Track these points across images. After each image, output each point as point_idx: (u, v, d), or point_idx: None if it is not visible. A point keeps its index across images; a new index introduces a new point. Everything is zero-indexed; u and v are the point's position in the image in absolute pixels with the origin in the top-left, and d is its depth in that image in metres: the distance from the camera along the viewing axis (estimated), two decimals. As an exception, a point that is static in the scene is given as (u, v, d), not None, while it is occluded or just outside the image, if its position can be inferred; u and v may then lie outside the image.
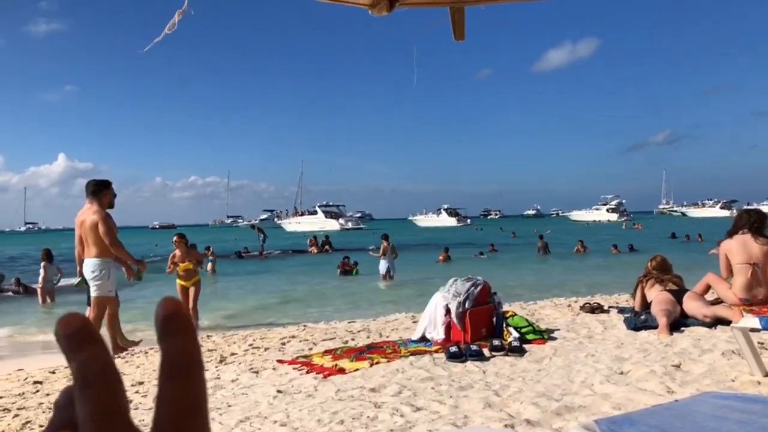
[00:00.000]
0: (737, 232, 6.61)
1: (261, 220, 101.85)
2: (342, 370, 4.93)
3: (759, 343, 4.54)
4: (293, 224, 76.83)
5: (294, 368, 5.22)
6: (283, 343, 6.46)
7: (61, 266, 14.09)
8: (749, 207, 6.72)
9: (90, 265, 6.45)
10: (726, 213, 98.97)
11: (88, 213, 6.45)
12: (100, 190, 6.55)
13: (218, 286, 16.70)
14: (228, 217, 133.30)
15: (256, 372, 5.25)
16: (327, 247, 32.25)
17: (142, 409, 4.36)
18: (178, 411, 0.29)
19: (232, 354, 6.12)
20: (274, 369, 5.31)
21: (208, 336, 7.35)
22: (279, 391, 4.47)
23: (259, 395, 4.45)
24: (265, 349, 6.23)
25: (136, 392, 4.86)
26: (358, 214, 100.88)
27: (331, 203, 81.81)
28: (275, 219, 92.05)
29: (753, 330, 3.82)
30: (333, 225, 71.12)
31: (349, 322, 7.68)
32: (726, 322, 5.31)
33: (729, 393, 2.30)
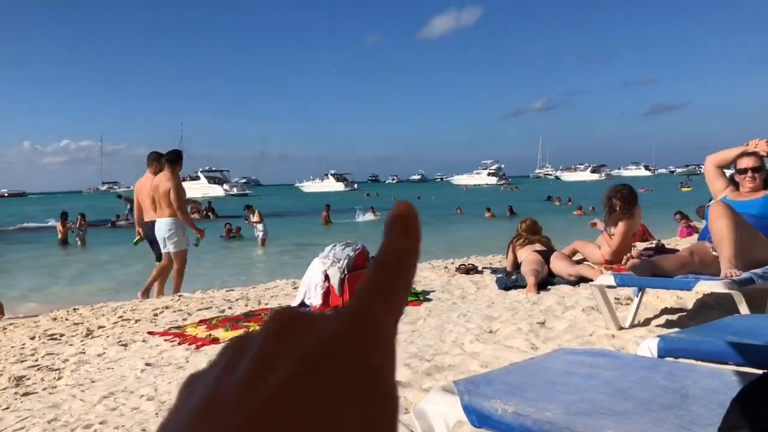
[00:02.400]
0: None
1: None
2: (216, 340, 4.80)
3: (615, 298, 4.85)
4: (174, 191, 73.86)
5: (165, 340, 5.03)
6: (156, 315, 6.20)
7: None
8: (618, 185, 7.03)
9: (166, 224, 7.27)
10: (595, 176, 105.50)
11: (162, 179, 7.22)
12: (175, 160, 7.39)
13: (89, 257, 15.85)
14: (103, 183, 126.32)
15: (125, 345, 5.01)
16: (210, 213, 31.37)
17: None
18: (370, 289, 0.30)
19: (100, 327, 5.80)
20: (144, 341, 5.09)
21: (74, 309, 6.93)
22: (147, 364, 4.29)
23: (126, 369, 4.25)
24: (136, 321, 5.96)
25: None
26: (244, 180, 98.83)
27: (214, 168, 79.45)
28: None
29: (609, 286, 4.05)
30: (217, 191, 69.21)
31: (227, 291, 7.48)
32: (589, 281, 5.64)
33: (580, 349, 2.41)
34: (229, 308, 6.25)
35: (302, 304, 5.88)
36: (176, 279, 7.62)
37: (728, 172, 4.81)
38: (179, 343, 4.85)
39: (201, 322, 5.59)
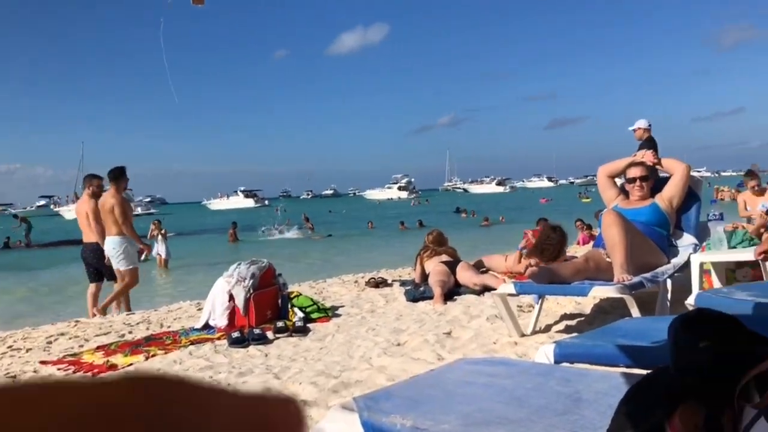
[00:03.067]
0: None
1: (38, 206, 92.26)
2: (113, 367, 4.57)
3: (518, 306, 4.97)
4: (73, 211, 70.40)
5: (59, 369, 4.74)
6: (50, 342, 5.83)
7: None
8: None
9: (112, 243, 7.23)
10: (501, 189, 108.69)
11: (107, 197, 7.26)
12: (118, 177, 7.35)
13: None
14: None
15: (14, 377, 4.68)
16: (112, 234, 30.08)
17: None
18: None
19: (-15, 359, 5.40)
20: (35, 372, 4.77)
21: (-43, 341, 6.44)
22: (37, 397, 4.02)
23: (14, 404, 3.96)
24: (27, 351, 5.58)
25: None
26: (148, 199, 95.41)
27: (116, 187, 76.10)
28: (52, 206, 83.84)
29: (510, 295, 4.14)
30: (120, 211, 66.31)
31: (127, 314, 7.16)
32: (493, 290, 5.76)
33: (480, 358, 2.44)
34: (130, 332, 5.97)
35: (206, 325, 5.70)
36: (117, 295, 7.51)
37: (620, 182, 5.05)
38: (74, 372, 4.58)
39: (99, 348, 5.31)
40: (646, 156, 4.60)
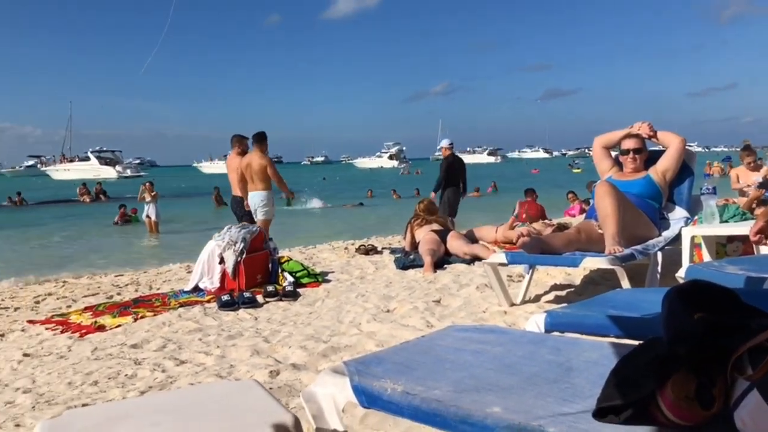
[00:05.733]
0: None
1: (27, 167, 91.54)
2: (102, 327, 4.56)
3: (508, 276, 4.98)
4: (61, 171, 69.83)
5: (47, 328, 4.73)
6: (37, 302, 5.82)
7: None
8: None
9: (260, 196, 8.06)
10: (492, 159, 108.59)
11: (254, 157, 8.07)
12: (262, 139, 8.20)
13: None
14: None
15: (2, 335, 4.68)
16: (101, 195, 29.91)
17: None
18: None
19: (-27, 317, 5.39)
20: (23, 330, 4.77)
21: (-56, 299, 6.41)
22: (26, 355, 4.01)
23: (2, 360, 3.96)
24: (15, 309, 5.58)
25: None
26: (138, 161, 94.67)
27: (105, 148, 75.36)
28: (40, 165, 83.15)
29: (501, 264, 4.15)
30: (109, 172, 65.76)
31: (116, 276, 7.15)
32: (482, 259, 5.77)
33: (470, 325, 2.43)
34: (118, 294, 5.96)
35: (196, 288, 5.69)
36: None
37: (615, 154, 5.03)
38: (62, 332, 4.57)
39: (86, 308, 5.30)
40: (643, 128, 4.57)
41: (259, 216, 8.17)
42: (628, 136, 4.61)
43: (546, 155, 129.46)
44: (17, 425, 2.79)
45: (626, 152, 4.58)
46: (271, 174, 8.16)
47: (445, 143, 10.03)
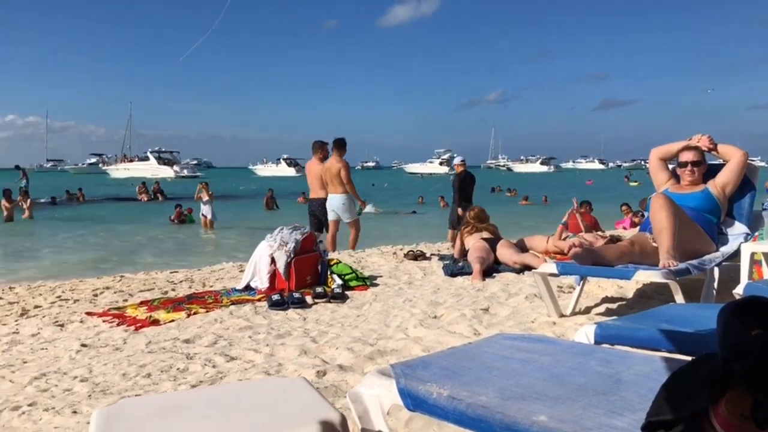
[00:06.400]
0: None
1: (89, 164, 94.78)
2: (156, 322, 4.69)
3: (558, 287, 4.92)
4: (121, 170, 72.07)
5: (104, 321, 4.89)
6: (96, 295, 6.03)
7: None
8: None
9: (340, 199, 8.71)
10: (545, 168, 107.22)
11: (333, 162, 8.73)
12: (342, 145, 8.85)
13: (34, 234, 15.34)
14: (48, 161, 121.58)
15: (62, 325, 4.85)
16: (159, 194, 30.72)
17: None
18: None
19: (36, 307, 5.60)
20: (81, 322, 4.93)
21: (10, 288, 6.69)
22: (83, 345, 4.16)
23: (61, 350, 4.11)
24: (75, 301, 5.78)
25: None
26: (195, 161, 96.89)
27: (164, 149, 77.42)
28: (101, 165, 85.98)
29: (551, 274, 4.10)
30: (167, 172, 67.55)
31: (171, 272, 7.33)
32: (533, 269, 5.71)
33: (518, 334, 2.42)
34: (172, 290, 6.12)
35: (248, 287, 5.80)
36: (353, 241, 9.05)
37: (672, 166, 4.92)
38: (118, 324, 4.72)
39: (142, 303, 5.46)
40: (702, 140, 4.46)
41: (344, 218, 8.88)
42: (687, 148, 4.50)
43: (601, 166, 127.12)
44: (74, 412, 2.90)
45: (684, 165, 4.47)
46: (344, 179, 8.66)
47: (457, 160, 10.76)
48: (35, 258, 12.11)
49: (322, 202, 8.92)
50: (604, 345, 2.25)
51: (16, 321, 5.11)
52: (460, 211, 9.92)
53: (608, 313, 4.23)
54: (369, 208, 24.88)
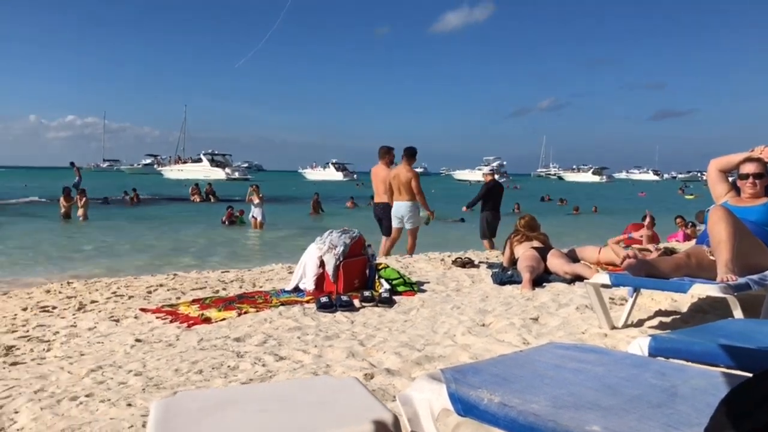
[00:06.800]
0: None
1: (144, 165, 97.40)
2: (208, 320, 4.79)
3: (610, 298, 4.83)
4: (174, 171, 73.89)
5: (157, 317, 5.03)
6: (149, 292, 6.20)
7: None
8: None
9: (406, 207, 8.89)
10: (597, 178, 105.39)
11: (402, 170, 8.94)
12: (413, 154, 9.08)
13: (90, 233, 15.83)
14: (104, 160, 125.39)
15: (117, 320, 5.01)
16: (211, 196, 31.35)
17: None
18: None
19: (93, 302, 5.80)
20: (136, 318, 5.08)
21: (68, 282, 6.93)
22: (138, 340, 4.28)
23: (116, 344, 4.24)
24: (130, 298, 5.96)
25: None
26: (246, 164, 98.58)
27: (217, 152, 79.07)
28: (156, 165, 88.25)
29: (604, 286, 4.03)
30: (219, 174, 68.97)
31: (222, 272, 7.47)
32: (584, 279, 5.62)
33: (570, 344, 2.39)
34: (223, 289, 6.24)
35: (296, 288, 5.88)
36: (411, 248, 9.11)
37: (732, 179, 4.78)
38: (171, 321, 4.84)
39: (194, 301, 5.58)
40: (765, 152, 4.33)
41: (407, 226, 9.03)
42: (748, 159, 4.37)
43: (655, 177, 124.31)
44: (129, 404, 2.98)
45: (745, 177, 4.34)
46: (414, 188, 8.87)
47: (486, 170, 11.14)
48: (90, 255, 12.50)
49: (385, 206, 9.13)
50: (659, 358, 2.21)
51: (74, 315, 5.30)
52: (487, 219, 10.14)
53: (662, 326, 4.14)
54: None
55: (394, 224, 9.09)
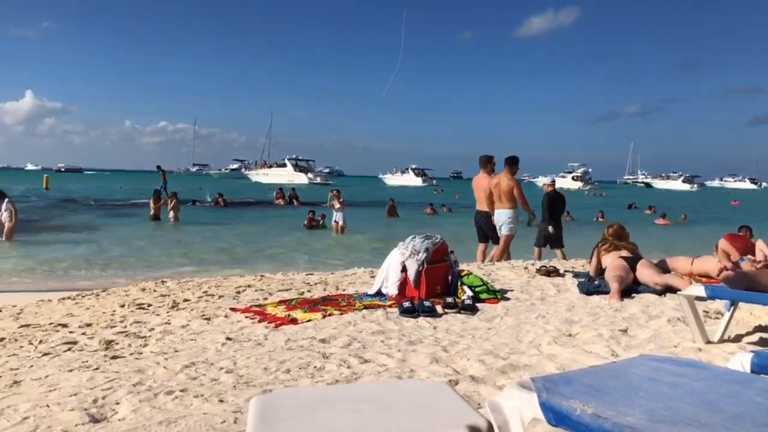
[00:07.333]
0: None
1: (232, 169, 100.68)
2: (294, 321, 4.91)
3: (704, 311, 4.64)
4: (260, 175, 76.09)
5: (246, 317, 5.18)
6: (238, 292, 6.40)
7: None
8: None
9: (507, 214, 9.03)
10: (687, 187, 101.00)
11: (503, 179, 9.07)
12: (515, 163, 9.22)
13: (180, 234, 16.51)
14: (194, 165, 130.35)
15: (208, 319, 5.20)
16: (294, 200, 32.05)
17: (87, 350, 4.28)
18: None
19: (185, 300, 6.04)
20: (226, 317, 5.26)
21: (162, 281, 7.26)
22: (228, 339, 4.43)
23: (208, 342, 4.41)
24: (219, 297, 6.17)
25: (83, 334, 4.77)
26: (327, 170, 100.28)
27: (300, 157, 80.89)
28: (243, 170, 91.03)
29: (699, 298, 3.88)
30: (302, 179, 70.58)
31: (307, 274, 7.64)
32: (676, 291, 5.41)
33: (665, 356, 2.31)
34: (308, 291, 6.37)
35: (378, 292, 5.93)
36: (501, 253, 9.23)
37: None
38: (259, 321, 4.98)
39: (281, 302, 5.73)
40: None
41: (503, 231, 9.10)
42: None
43: (752, 186, 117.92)
44: (221, 401, 3.10)
45: None
46: (518, 196, 9.00)
47: (547, 180, 10.84)
48: (181, 255, 13.04)
49: (486, 215, 9.23)
50: (763, 375, 2.11)
51: (168, 312, 5.53)
52: (550, 229, 9.89)
53: (762, 342, 3.93)
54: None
55: (500, 232, 9.19)
